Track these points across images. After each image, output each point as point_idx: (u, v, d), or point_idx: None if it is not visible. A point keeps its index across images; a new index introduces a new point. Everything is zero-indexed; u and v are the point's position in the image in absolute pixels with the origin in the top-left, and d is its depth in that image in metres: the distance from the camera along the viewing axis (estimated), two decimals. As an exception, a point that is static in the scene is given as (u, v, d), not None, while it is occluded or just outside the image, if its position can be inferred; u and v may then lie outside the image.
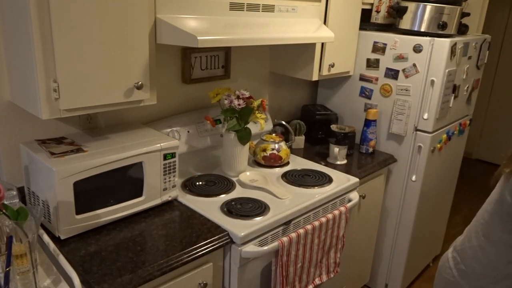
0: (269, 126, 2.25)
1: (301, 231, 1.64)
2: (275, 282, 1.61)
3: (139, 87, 1.40)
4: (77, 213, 1.36)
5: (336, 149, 2.16)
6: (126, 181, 1.48)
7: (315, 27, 1.96)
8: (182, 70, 1.91)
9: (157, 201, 1.58)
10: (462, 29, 2.44)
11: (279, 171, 2.02)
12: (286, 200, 1.72)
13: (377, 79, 2.40)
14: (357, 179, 2.02)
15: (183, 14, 1.50)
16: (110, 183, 1.43)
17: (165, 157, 1.55)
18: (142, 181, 1.52)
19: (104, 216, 1.44)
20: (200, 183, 1.81)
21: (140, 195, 1.53)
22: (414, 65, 2.26)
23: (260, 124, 1.93)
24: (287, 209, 1.65)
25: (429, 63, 2.22)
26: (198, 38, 1.37)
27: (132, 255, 1.31)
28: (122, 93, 1.38)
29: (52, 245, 1.29)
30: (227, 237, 1.47)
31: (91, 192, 1.39)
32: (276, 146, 2.03)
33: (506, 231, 1.15)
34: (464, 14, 2.37)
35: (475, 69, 2.63)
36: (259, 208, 1.63)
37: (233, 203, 1.66)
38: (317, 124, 2.45)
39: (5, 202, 1.19)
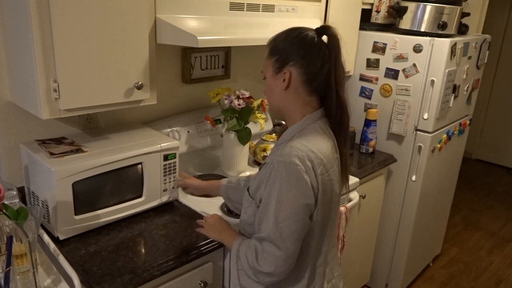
0: (269, 126, 2.25)
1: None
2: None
3: (139, 87, 1.40)
4: (76, 213, 1.36)
5: (336, 149, 2.16)
6: (126, 182, 1.47)
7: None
8: (182, 70, 1.91)
9: (157, 202, 1.58)
10: (462, 29, 2.44)
11: (279, 171, 2.01)
12: (286, 200, 1.71)
13: (377, 79, 2.40)
14: (357, 179, 2.02)
15: (183, 14, 1.50)
16: (110, 184, 1.43)
17: (166, 157, 1.55)
18: (142, 181, 1.52)
19: (104, 217, 1.43)
20: (200, 183, 1.81)
21: (140, 195, 1.53)
22: (414, 65, 2.26)
23: (260, 124, 1.93)
24: (287, 209, 1.64)
25: (429, 63, 2.22)
26: (198, 38, 1.37)
27: (132, 255, 1.31)
28: (122, 93, 1.38)
29: (52, 245, 1.29)
30: (227, 237, 1.46)
31: (91, 192, 1.39)
32: (276, 146, 2.03)
33: None
34: (464, 14, 2.37)
35: (475, 69, 2.63)
36: (259, 208, 1.63)
37: (233, 203, 1.65)
38: (317, 124, 2.44)
39: (5, 202, 1.19)
